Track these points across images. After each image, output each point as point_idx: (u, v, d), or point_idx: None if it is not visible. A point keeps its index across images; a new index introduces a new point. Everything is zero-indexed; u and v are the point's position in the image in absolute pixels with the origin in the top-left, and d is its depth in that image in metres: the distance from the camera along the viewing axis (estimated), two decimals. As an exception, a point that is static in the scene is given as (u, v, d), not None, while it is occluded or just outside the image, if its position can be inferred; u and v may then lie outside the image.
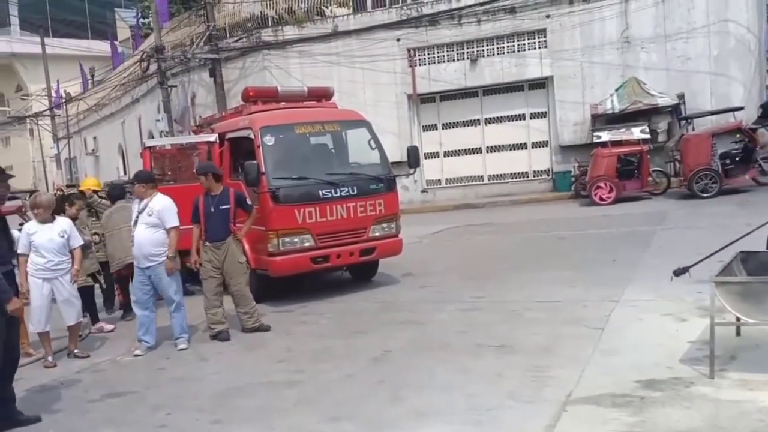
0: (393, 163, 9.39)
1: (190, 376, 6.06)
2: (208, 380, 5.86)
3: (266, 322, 7.40)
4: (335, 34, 18.71)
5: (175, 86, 20.99)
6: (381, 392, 5.10)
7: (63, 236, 6.72)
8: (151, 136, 24.34)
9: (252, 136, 8.52)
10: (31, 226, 6.68)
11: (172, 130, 20.27)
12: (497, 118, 19.24)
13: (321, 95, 9.88)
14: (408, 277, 9.47)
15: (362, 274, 9.48)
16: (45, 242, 6.57)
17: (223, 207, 7.19)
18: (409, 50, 18.75)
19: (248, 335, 7.21)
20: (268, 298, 8.35)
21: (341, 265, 8.90)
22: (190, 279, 9.15)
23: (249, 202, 7.55)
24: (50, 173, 38.29)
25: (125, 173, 28.45)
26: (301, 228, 8.18)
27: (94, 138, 33.43)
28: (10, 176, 5.44)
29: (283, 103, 9.53)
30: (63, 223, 6.85)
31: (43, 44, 32.58)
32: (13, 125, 39.44)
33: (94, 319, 8.26)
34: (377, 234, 8.68)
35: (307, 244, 8.22)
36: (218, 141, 9.39)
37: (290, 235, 8.15)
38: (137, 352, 6.84)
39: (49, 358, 6.71)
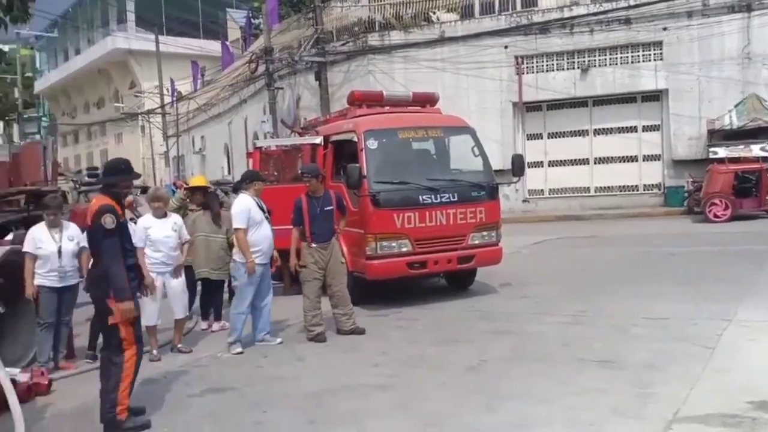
0: (495, 171, 9.23)
1: (286, 375, 6.15)
2: (304, 380, 5.93)
3: (361, 325, 7.44)
4: (441, 40, 18.70)
5: (282, 88, 21.56)
6: (476, 401, 5.03)
7: (176, 230, 7.01)
8: (256, 137, 25.09)
9: (355, 140, 8.60)
10: (147, 220, 6.93)
11: (276, 131, 20.81)
12: (607, 129, 18.78)
13: (426, 100, 9.86)
14: (506, 288, 9.31)
15: (459, 282, 9.38)
16: (161, 237, 6.83)
17: (328, 208, 7.31)
18: (516, 58, 18.51)
19: (343, 337, 7.27)
20: (363, 302, 8.38)
21: (438, 271, 8.84)
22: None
23: (345, 203, 7.72)
24: (159, 170, 39.74)
25: (230, 172, 29.45)
26: (400, 232, 8.18)
27: (202, 137, 34.72)
28: (138, 175, 5.72)
29: (388, 108, 9.57)
30: (175, 217, 7.16)
31: (157, 42, 33.98)
32: (126, 122, 41.29)
33: (205, 316, 8.44)
34: (477, 242, 8.57)
35: (404, 249, 8.21)
36: (323, 143, 9.55)
37: (388, 239, 8.16)
38: (237, 349, 6.99)
39: (154, 352, 6.90)
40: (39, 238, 6.61)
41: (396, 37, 18.94)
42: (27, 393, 5.70)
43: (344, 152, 9.16)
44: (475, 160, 8.91)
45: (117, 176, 5.22)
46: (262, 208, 7.08)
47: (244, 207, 6.96)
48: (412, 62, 18.47)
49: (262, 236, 7.00)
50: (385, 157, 8.56)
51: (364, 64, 18.88)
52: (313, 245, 7.25)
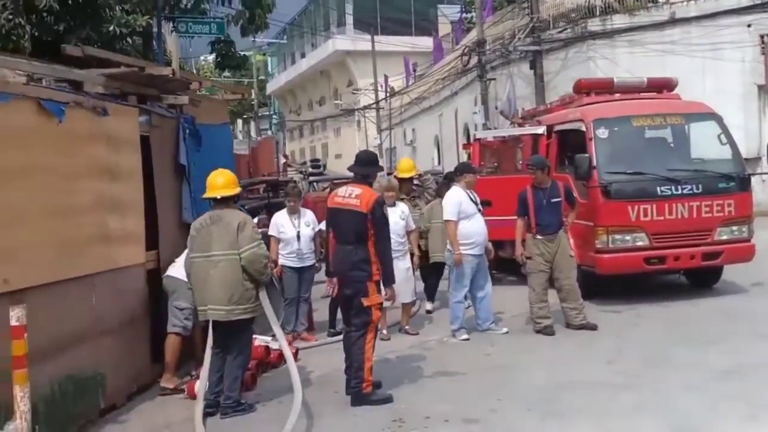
0: (738, 160, 8.32)
1: (516, 365, 6.09)
2: (534, 372, 5.83)
3: (592, 321, 7.13)
4: (672, 22, 17.33)
5: (494, 79, 21.45)
6: (735, 408, 4.62)
7: (403, 219, 7.26)
8: (466, 128, 25.21)
9: (583, 129, 8.31)
10: None
11: (488, 122, 20.75)
12: None
13: (662, 86, 9.27)
14: (759, 287, 8.42)
15: (701, 280, 8.63)
16: (391, 224, 7.09)
17: (555, 200, 7.11)
18: (762, 37, 16.59)
19: (574, 332, 7.03)
20: (593, 296, 8.02)
21: (678, 268, 8.28)
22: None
23: (575, 195, 7.37)
24: (372, 161, 41.58)
25: (439, 163, 30.00)
26: (634, 225, 7.76)
27: (413, 129, 35.72)
28: (382, 168, 6.07)
29: (618, 95, 9.15)
30: (402, 206, 7.42)
31: (372, 42, 35.73)
32: (344, 117, 43.96)
33: (431, 297, 8.65)
34: (724, 237, 7.86)
35: (639, 243, 7.78)
36: (545, 133, 9.33)
37: (621, 232, 7.78)
38: (464, 336, 7.05)
39: (384, 331, 7.17)
40: (281, 223, 7.34)
41: (619, 20, 17.87)
42: (278, 359, 6.32)
43: (570, 142, 8.88)
44: (722, 149, 8.18)
45: (372, 167, 5.66)
46: (474, 201, 7.09)
47: (455, 200, 7.04)
48: (638, 46, 17.28)
49: (476, 228, 7.01)
50: (617, 146, 8.21)
51: (584, 51, 18.04)
52: (539, 237, 7.10)
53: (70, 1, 9.04)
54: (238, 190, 5.38)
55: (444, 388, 5.58)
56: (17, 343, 3.81)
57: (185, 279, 5.64)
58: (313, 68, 47.38)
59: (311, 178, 16.55)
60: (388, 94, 36.57)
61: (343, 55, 43.57)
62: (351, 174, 5.75)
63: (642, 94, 9.17)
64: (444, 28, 35.58)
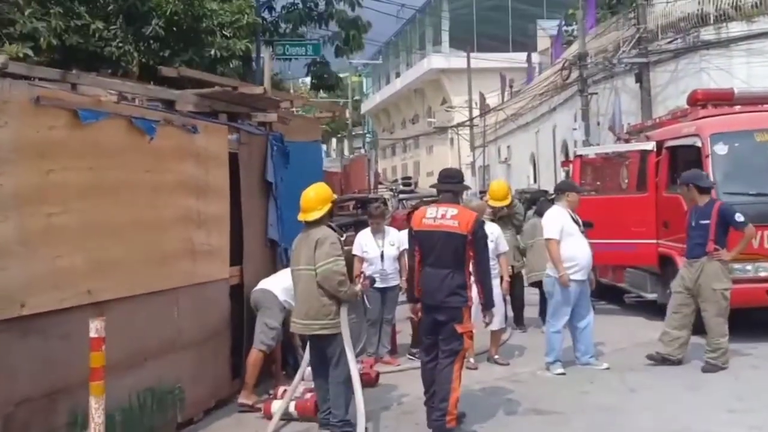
0: None
1: (617, 406, 5.55)
2: (639, 416, 5.29)
3: (714, 363, 6.33)
4: (793, 28, 15.99)
5: (596, 93, 20.59)
6: None
7: (493, 241, 6.81)
8: (565, 145, 24.34)
9: (699, 144, 7.72)
10: None
11: (588, 138, 19.89)
12: None
13: (789, 96, 8.44)
14: None
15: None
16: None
17: (702, 222, 6.40)
18: None
19: (684, 372, 6.36)
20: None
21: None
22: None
23: (740, 218, 6.37)
24: (465, 179, 41.16)
25: (535, 181, 29.13)
26: (757, 254, 7.07)
27: (508, 147, 35.00)
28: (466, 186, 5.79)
29: (739, 107, 8.42)
30: (493, 227, 6.96)
31: (468, 60, 35.41)
32: (437, 135, 43.87)
33: (519, 321, 8.32)
34: None
35: (763, 274, 7.12)
36: (655, 149, 8.66)
37: (742, 261, 7.01)
38: (559, 370, 6.51)
39: (471, 360, 6.71)
40: (364, 243, 7.15)
41: (735, 28, 16.66)
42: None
43: (683, 159, 8.24)
44: None
45: (461, 184, 5.43)
46: (576, 221, 6.61)
47: (556, 218, 6.62)
48: (756, 55, 16.05)
49: (578, 250, 6.50)
50: (738, 163, 7.60)
51: (695, 62, 16.96)
52: (684, 258, 6.60)
53: (174, 28, 9.50)
54: (326, 208, 5.14)
55: (535, 428, 5.17)
56: (95, 355, 3.79)
57: (278, 295, 5.69)
58: (407, 87, 47.79)
59: (401, 196, 16.37)
60: (484, 111, 36.09)
61: (437, 74, 43.69)
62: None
63: (766, 105, 8.40)
64: (543, 42, 34.83)
